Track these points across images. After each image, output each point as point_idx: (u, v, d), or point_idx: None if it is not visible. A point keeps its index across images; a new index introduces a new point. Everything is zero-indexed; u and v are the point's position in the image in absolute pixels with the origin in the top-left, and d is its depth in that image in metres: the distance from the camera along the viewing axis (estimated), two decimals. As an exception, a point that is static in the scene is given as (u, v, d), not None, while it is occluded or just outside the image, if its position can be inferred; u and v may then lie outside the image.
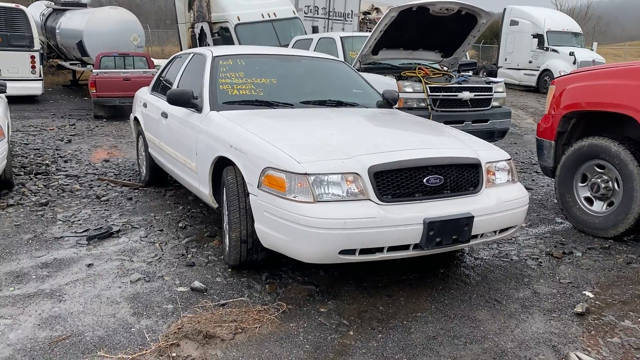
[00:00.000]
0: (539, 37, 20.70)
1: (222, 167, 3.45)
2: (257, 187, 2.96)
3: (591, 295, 3.08)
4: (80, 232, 4.07)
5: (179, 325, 2.66)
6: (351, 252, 2.75)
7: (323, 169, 2.80)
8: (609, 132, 4.15)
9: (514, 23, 22.20)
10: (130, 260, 3.55)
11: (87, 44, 15.21)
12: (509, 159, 3.35)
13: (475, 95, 6.63)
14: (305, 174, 2.76)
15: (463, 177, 3.07)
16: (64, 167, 6.42)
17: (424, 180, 2.93)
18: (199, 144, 3.76)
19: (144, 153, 5.50)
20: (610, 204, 4.09)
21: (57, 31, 17.66)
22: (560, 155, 4.48)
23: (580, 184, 4.31)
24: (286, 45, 10.93)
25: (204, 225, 4.26)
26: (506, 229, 3.19)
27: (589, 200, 4.25)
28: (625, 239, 4.07)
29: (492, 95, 6.81)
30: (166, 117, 4.51)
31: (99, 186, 5.54)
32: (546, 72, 19.88)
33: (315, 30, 14.52)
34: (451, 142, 3.35)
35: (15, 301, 2.94)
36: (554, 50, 20.53)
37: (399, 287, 3.19)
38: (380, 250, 2.80)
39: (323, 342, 2.55)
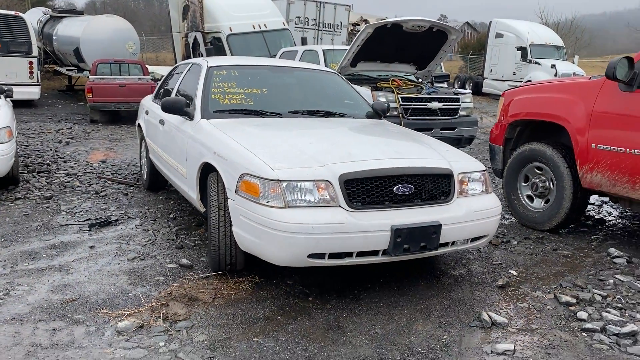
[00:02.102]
0: (522, 49, 21.39)
1: (208, 173, 3.56)
2: (235, 192, 3.08)
3: (515, 273, 3.67)
4: (82, 221, 4.62)
5: (168, 291, 3.22)
6: (320, 256, 2.86)
7: (295, 175, 2.92)
8: (547, 139, 4.77)
9: (499, 36, 22.90)
10: (127, 243, 4.10)
11: (83, 50, 15.72)
12: (484, 170, 3.45)
13: (443, 105, 7.26)
14: (278, 180, 2.88)
15: (434, 186, 3.16)
16: (64, 167, 6.95)
17: (394, 189, 3.02)
18: (188, 150, 3.90)
19: (145, 158, 5.70)
20: (547, 201, 4.70)
21: (53, 37, 18.18)
22: (507, 159, 5.09)
23: (523, 184, 4.92)
24: (274, 56, 11.55)
25: (192, 217, 4.81)
26: (478, 238, 3.29)
27: (530, 198, 4.85)
28: (560, 232, 4.67)
29: (459, 105, 7.43)
30: (163, 124, 4.69)
31: (97, 183, 6.08)
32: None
33: (304, 41, 15.12)
34: (426, 153, 3.45)
35: (30, 273, 3.48)
36: (536, 63, 21.23)
37: (355, 267, 3.77)
38: (349, 255, 2.91)
39: (287, 305, 3.11)
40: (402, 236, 2.89)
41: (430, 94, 7.28)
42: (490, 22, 24.03)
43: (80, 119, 12.43)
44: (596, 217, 5.30)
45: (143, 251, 3.93)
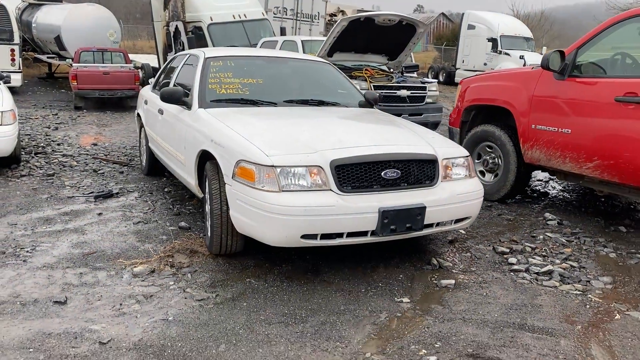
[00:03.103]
0: (493, 41, 22.04)
1: (206, 160, 3.73)
2: (232, 177, 3.24)
3: (463, 232, 4.37)
4: (87, 194, 5.16)
5: (172, 246, 3.82)
6: (313, 236, 3.04)
7: (289, 161, 3.08)
8: (496, 121, 5.47)
9: (471, 27, 23.58)
10: (130, 211, 4.67)
11: (65, 38, 15.92)
12: (467, 156, 3.67)
13: (411, 93, 7.95)
14: (272, 165, 3.04)
15: (420, 171, 3.34)
16: (59, 149, 7.41)
17: (382, 174, 3.20)
18: (187, 139, 4.05)
19: (144, 146, 5.87)
20: (496, 175, 5.41)
21: (33, 25, 18.25)
22: (463, 140, 5.78)
23: (477, 161, 5.62)
24: (255, 45, 12.06)
25: (184, 191, 5.38)
26: (462, 220, 3.52)
27: (482, 173, 5.56)
28: (507, 201, 5.40)
29: (426, 93, 8.13)
30: (162, 114, 4.81)
31: (93, 163, 6.59)
32: (499, 73, 21.36)
33: (283, 31, 15.59)
34: (413, 139, 3.63)
35: (50, 234, 4.04)
36: (506, 54, 21.96)
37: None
38: (340, 235, 3.09)
39: (273, 256, 3.73)
40: (389, 217, 3.08)
41: (399, 83, 7.95)
42: (463, 14, 24.74)
43: (65, 106, 12.71)
44: (541, 190, 6.05)
45: (145, 217, 4.51)
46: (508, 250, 3.92)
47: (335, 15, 23.51)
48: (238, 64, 4.64)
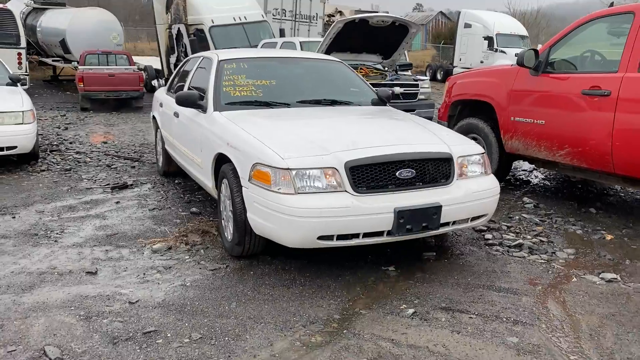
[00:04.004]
0: (489, 39, 22.47)
1: (222, 162, 3.78)
2: (248, 180, 3.29)
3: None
4: (103, 185, 5.62)
5: (185, 228, 4.28)
6: (329, 237, 3.07)
7: (304, 164, 3.12)
8: (480, 115, 5.91)
9: (467, 26, 24.01)
10: (144, 200, 5.13)
11: (69, 42, 16.39)
12: (483, 153, 3.65)
13: (404, 90, 8.40)
14: (288, 168, 3.08)
15: (435, 170, 3.34)
16: (72, 147, 7.87)
17: (397, 174, 3.21)
18: (203, 141, 4.11)
19: (160, 148, 5.97)
20: (480, 164, 5.86)
21: (37, 29, 18.71)
22: (451, 132, 6.23)
23: (463, 152, 6.07)
24: (255, 46, 12.51)
25: (194, 182, 5.83)
26: (478, 217, 3.51)
27: (468, 163, 6.01)
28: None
29: (418, 90, 8.59)
30: (177, 117, 4.89)
31: (105, 159, 7.05)
32: (495, 71, 21.83)
33: (282, 32, 16.04)
34: (427, 138, 3.63)
35: (75, 220, 4.50)
36: (502, 51, 22.37)
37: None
38: (356, 236, 3.11)
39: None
40: (405, 217, 3.09)
41: (393, 81, 8.41)
42: (460, 13, 25.15)
43: (71, 107, 13.15)
44: (524, 179, 6.50)
45: (159, 204, 4.97)
46: (486, 229, 4.38)
47: (333, 16, 23.93)
48: (251, 66, 4.68)
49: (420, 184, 3.29)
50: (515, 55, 18.71)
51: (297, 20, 19.27)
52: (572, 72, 4.98)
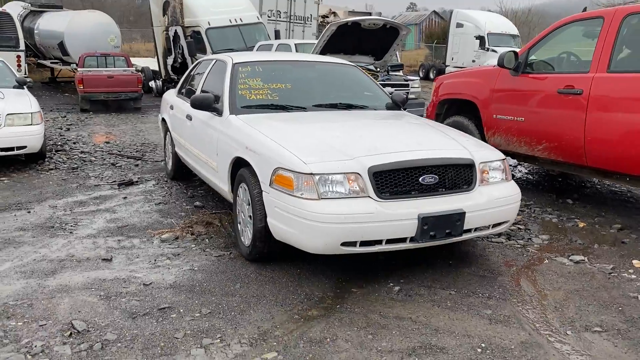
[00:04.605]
0: (480, 38, 22.76)
1: (239, 166, 3.79)
2: (269, 185, 3.27)
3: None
4: (110, 182, 5.95)
5: (190, 220, 4.61)
6: (352, 244, 3.06)
7: (327, 169, 3.10)
8: (465, 113, 6.27)
9: (459, 25, 24.36)
10: (150, 195, 5.46)
11: (68, 44, 16.65)
12: (504, 159, 3.67)
13: (395, 90, 8.74)
14: (311, 173, 3.07)
15: (458, 176, 3.34)
16: (76, 147, 8.18)
17: (420, 179, 3.21)
18: (219, 145, 4.10)
19: (170, 151, 5.92)
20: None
21: (35, 31, 18.96)
22: (439, 129, 6.59)
23: (450, 148, 6.43)
24: (252, 48, 12.83)
25: (196, 178, 6.17)
26: (499, 224, 3.52)
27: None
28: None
29: (408, 90, 8.94)
30: (191, 120, 4.85)
31: (109, 158, 7.36)
32: (486, 70, 22.24)
33: (277, 34, 16.35)
34: (448, 143, 3.61)
35: (86, 214, 4.82)
36: (493, 51, 22.66)
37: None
38: (379, 242, 3.10)
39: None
40: (429, 224, 3.09)
41: (384, 81, 8.75)
42: (451, 13, 25.51)
43: (71, 109, 13.42)
44: (508, 174, 6.87)
45: (164, 199, 5.30)
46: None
47: (328, 17, 24.30)
48: (266, 69, 4.66)
49: (443, 190, 3.29)
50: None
51: (291, 21, 19.56)
52: (549, 72, 5.34)
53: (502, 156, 3.71)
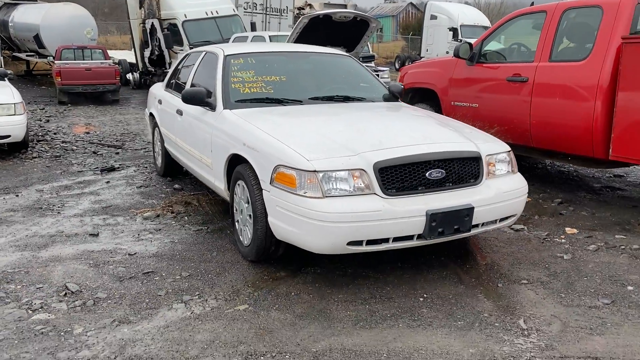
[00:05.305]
0: (454, 30, 23.29)
1: (236, 163, 3.64)
2: (270, 183, 3.14)
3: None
4: (93, 168, 6.26)
5: (170, 200, 4.98)
6: (358, 243, 2.94)
7: (331, 166, 2.97)
8: (427, 101, 6.72)
9: (433, 17, 24.87)
10: (131, 180, 5.80)
11: (44, 37, 16.69)
12: (509, 151, 3.56)
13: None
14: (315, 171, 2.94)
15: (464, 169, 3.24)
16: (57, 137, 8.43)
17: (427, 174, 3.10)
18: (213, 141, 3.95)
19: (159, 147, 5.77)
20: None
21: (10, 24, 18.87)
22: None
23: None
24: (228, 39, 13.11)
25: (189, 175, 6.51)
26: (506, 218, 3.42)
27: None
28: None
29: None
30: (181, 115, 4.70)
31: (90, 147, 7.65)
32: (459, 61, 22.86)
33: (253, 26, 16.60)
34: (453, 136, 3.50)
35: (72, 197, 5.15)
36: (466, 42, 23.27)
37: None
38: (385, 240, 2.99)
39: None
40: (437, 220, 2.99)
41: (355, 71, 9.16)
42: (426, 5, 26.01)
43: (49, 101, 13.54)
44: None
45: (145, 183, 5.65)
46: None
47: (303, 9, 24.51)
48: (259, 61, 4.51)
49: (450, 184, 3.20)
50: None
51: (268, 13, 19.80)
52: (500, 62, 5.82)
53: (508, 148, 3.61)
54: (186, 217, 4.55)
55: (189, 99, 4.12)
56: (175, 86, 5.28)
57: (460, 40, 23.75)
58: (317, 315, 2.93)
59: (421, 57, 25.21)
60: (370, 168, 3.03)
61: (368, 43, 10.84)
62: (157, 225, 4.35)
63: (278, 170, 3.11)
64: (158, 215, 4.57)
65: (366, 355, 2.57)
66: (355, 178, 3.00)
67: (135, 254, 3.75)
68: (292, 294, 3.16)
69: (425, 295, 3.16)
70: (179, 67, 5.55)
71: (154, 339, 2.68)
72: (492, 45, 5.96)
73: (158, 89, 5.93)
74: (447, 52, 23.47)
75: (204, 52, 4.94)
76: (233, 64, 4.35)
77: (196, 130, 4.36)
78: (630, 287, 3.31)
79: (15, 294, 3.13)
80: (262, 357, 2.53)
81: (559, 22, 5.13)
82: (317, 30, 9.38)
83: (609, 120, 4.59)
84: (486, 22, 24.99)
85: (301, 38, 9.34)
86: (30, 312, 2.92)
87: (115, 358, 2.51)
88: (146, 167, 6.39)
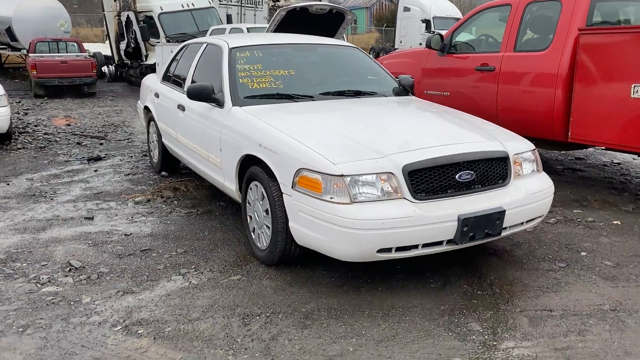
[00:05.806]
0: (426, 22, 23.78)
1: (249, 163, 3.48)
2: (291, 187, 2.98)
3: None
4: (79, 158, 6.42)
5: (159, 186, 5.20)
6: (388, 250, 2.82)
7: (358, 169, 2.83)
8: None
9: (406, 9, 25.28)
10: (119, 168, 5.99)
11: (16, 30, 16.47)
12: (534, 149, 3.46)
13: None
14: (342, 175, 2.79)
15: (492, 170, 3.12)
16: (38, 130, 8.50)
17: (456, 177, 2.98)
18: (223, 140, 3.75)
19: (156, 141, 5.57)
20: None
21: (-20, 17, 18.52)
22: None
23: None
24: (204, 32, 13.23)
25: (188, 170, 6.71)
26: (533, 219, 3.31)
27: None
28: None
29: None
30: (184, 110, 4.50)
31: (74, 138, 7.77)
32: (432, 53, 23.36)
33: (229, 18, 16.72)
34: (478, 135, 3.39)
35: (63, 184, 5.33)
36: (439, 34, 23.74)
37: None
38: (415, 247, 2.88)
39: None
40: (469, 225, 2.89)
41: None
42: (399, -3, 26.38)
43: (24, 94, 13.43)
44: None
45: (133, 171, 5.85)
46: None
47: (278, 1, 24.66)
48: (266, 54, 4.30)
49: (479, 186, 3.09)
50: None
51: (243, 5, 19.88)
52: (469, 52, 6.19)
53: (533, 146, 3.50)
54: (176, 202, 4.79)
55: (195, 94, 3.92)
56: (174, 80, 5.10)
57: (433, 32, 24.42)
58: (304, 282, 3.24)
59: (395, 49, 25.70)
60: (399, 171, 2.89)
61: (344, 35, 11.14)
62: (148, 209, 4.58)
63: (301, 174, 2.95)
64: (149, 200, 4.79)
65: (350, 312, 2.89)
66: (382, 181, 2.87)
67: (131, 234, 3.99)
68: (281, 265, 3.45)
69: (400, 265, 3.50)
70: (176, 58, 5.33)
71: (158, 305, 2.94)
72: (462, 37, 6.32)
73: (153, 81, 5.73)
74: (421, 44, 23.98)
75: (205, 44, 4.73)
76: (239, 57, 4.15)
77: (202, 127, 4.16)
78: (583, 253, 3.71)
79: (22, 271, 3.35)
80: (257, 317, 2.83)
81: (522, 14, 5.50)
82: (294, 22, 9.63)
83: (568, 105, 4.99)
84: (458, 13, 25.49)
85: (279, 30, 9.58)
86: (40, 285, 3.15)
87: (124, 321, 2.77)
88: (131, 157, 6.57)
